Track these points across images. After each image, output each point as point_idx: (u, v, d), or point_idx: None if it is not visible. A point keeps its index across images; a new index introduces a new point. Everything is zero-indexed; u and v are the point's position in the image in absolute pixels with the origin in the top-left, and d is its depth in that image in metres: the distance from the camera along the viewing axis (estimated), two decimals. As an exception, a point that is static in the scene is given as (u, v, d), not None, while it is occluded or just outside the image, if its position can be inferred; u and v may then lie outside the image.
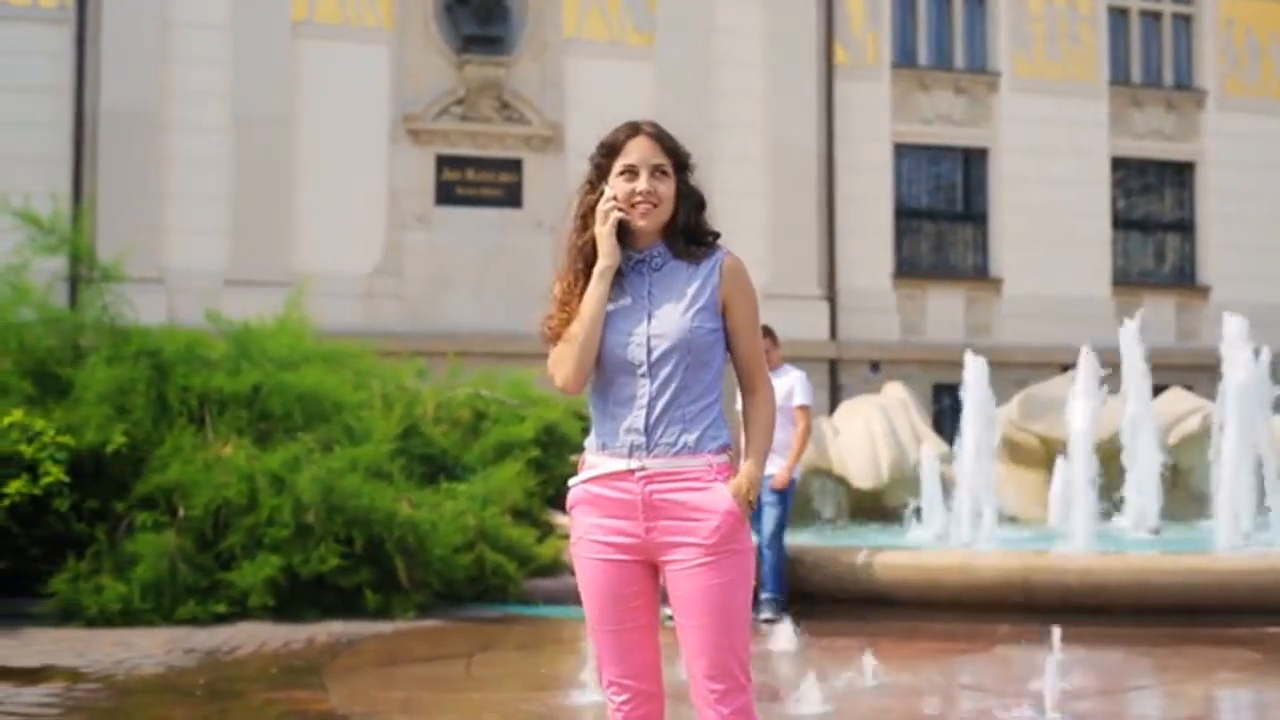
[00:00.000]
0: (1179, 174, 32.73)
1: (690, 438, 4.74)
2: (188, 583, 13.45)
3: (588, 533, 4.81)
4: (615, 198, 4.80)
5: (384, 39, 27.93)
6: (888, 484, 17.86)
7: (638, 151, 4.85)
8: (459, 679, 10.79)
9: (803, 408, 13.91)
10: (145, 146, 26.39)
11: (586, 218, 4.87)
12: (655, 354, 4.74)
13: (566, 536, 16.28)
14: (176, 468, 13.99)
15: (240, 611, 13.36)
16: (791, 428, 13.83)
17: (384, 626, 13.18)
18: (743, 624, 4.75)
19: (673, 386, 4.74)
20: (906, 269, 30.69)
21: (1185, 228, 32.51)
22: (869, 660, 9.95)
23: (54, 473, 13.61)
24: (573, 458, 4.89)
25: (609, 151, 4.89)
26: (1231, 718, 9.73)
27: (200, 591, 13.48)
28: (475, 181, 27.69)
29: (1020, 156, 31.06)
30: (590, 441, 4.89)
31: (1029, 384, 20.93)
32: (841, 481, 18.04)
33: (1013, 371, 27.65)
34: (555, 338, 4.79)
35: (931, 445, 17.81)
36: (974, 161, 31.48)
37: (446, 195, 27.56)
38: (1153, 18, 32.96)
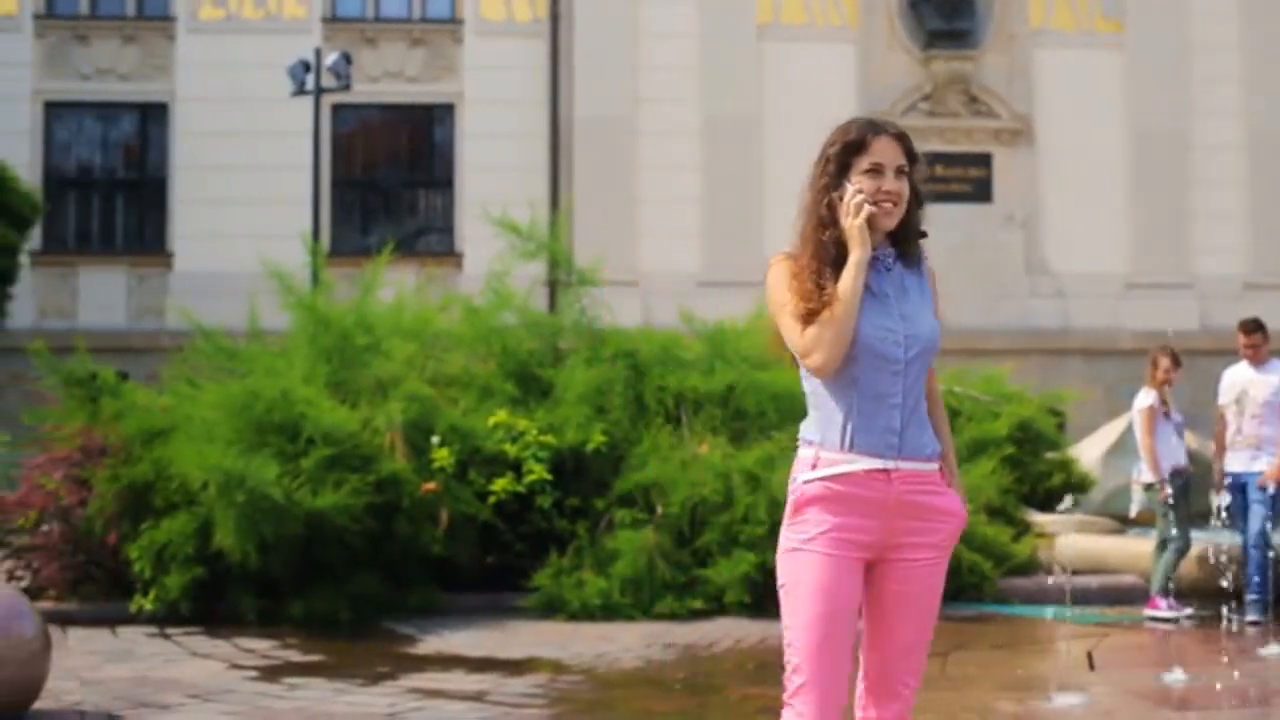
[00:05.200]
0: None
1: (930, 441, 4.86)
2: (665, 579, 13.63)
3: (827, 530, 4.73)
4: (862, 192, 4.78)
5: (849, 38, 27.99)
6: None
7: (884, 151, 4.82)
8: (934, 677, 10.70)
9: (1293, 403, 13.42)
10: (618, 153, 27.02)
11: (830, 212, 4.83)
12: (910, 353, 4.78)
13: (1042, 535, 16.08)
14: (654, 466, 14.20)
15: (717, 608, 13.48)
16: (1280, 424, 13.36)
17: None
18: None
19: (918, 388, 4.83)
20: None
21: None
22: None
23: (537, 471, 13.98)
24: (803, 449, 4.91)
25: (854, 148, 4.85)
26: None
27: (678, 588, 13.65)
28: (944, 177, 27.47)
29: None
30: (823, 435, 4.82)
31: None
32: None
33: None
34: (808, 319, 4.72)
35: None
36: None
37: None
38: None
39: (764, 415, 14.89)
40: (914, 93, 27.84)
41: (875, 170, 4.80)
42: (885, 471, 4.74)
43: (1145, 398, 13.88)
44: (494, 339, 15.54)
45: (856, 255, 4.72)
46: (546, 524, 14.08)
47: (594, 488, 14.32)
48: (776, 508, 13.58)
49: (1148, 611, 13.33)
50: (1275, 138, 28.28)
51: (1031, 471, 16.99)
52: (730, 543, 13.77)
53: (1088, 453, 19.25)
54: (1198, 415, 17.96)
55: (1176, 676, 10.11)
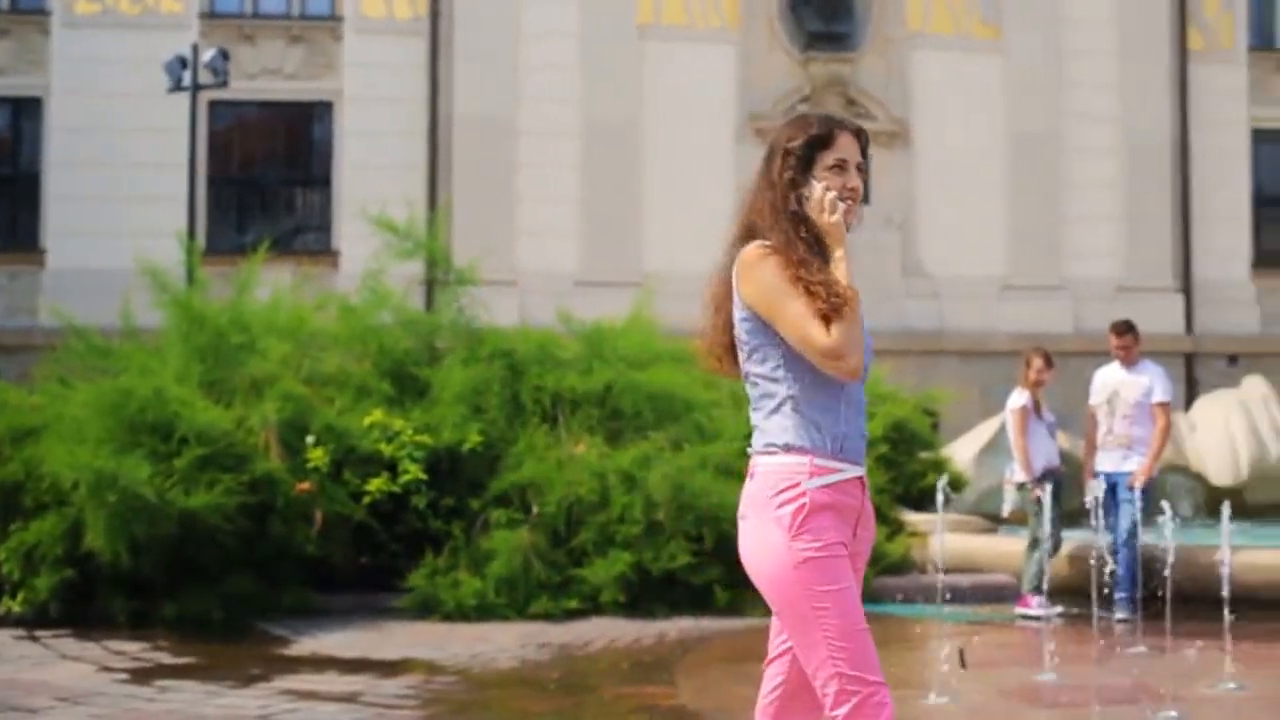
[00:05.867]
0: None
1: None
2: (541, 579, 13.64)
3: (836, 535, 4.59)
4: (830, 188, 4.71)
5: (729, 39, 28.06)
6: (1247, 481, 17.34)
7: (847, 147, 4.78)
8: (808, 676, 10.77)
9: (1162, 404, 13.61)
10: (497, 152, 26.97)
11: (800, 208, 4.71)
12: (870, 359, 4.77)
13: (916, 534, 16.24)
14: (530, 466, 14.21)
15: (592, 607, 13.51)
16: (1150, 424, 13.54)
17: (734, 623, 13.21)
18: None
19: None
20: (1266, 259, 29.71)
21: None
22: (1229, 663, 9.68)
23: (412, 471, 13.94)
24: (787, 457, 4.68)
25: (820, 144, 4.75)
26: None
27: (553, 587, 13.66)
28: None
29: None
30: (813, 441, 4.62)
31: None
32: (1198, 478, 17.58)
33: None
34: (836, 313, 4.56)
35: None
36: (1335, 145, 30.35)
37: (792, 193, 27.53)
38: None
39: (640, 415, 14.93)
40: (793, 94, 27.95)
41: (840, 166, 4.76)
42: (861, 479, 4.71)
43: (1018, 398, 14.03)
44: (370, 338, 15.49)
45: (842, 251, 4.67)
46: (422, 524, 14.05)
47: (470, 488, 14.30)
48: (652, 507, 13.65)
49: (1019, 610, 13.48)
50: (1148, 142, 28.65)
51: (906, 471, 17.14)
52: (606, 542, 13.80)
53: (961, 452, 19.46)
54: (1070, 416, 18.18)
55: (1046, 675, 10.21)
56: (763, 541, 4.62)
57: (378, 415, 14.27)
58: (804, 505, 4.56)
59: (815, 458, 4.59)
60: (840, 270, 4.61)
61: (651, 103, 27.53)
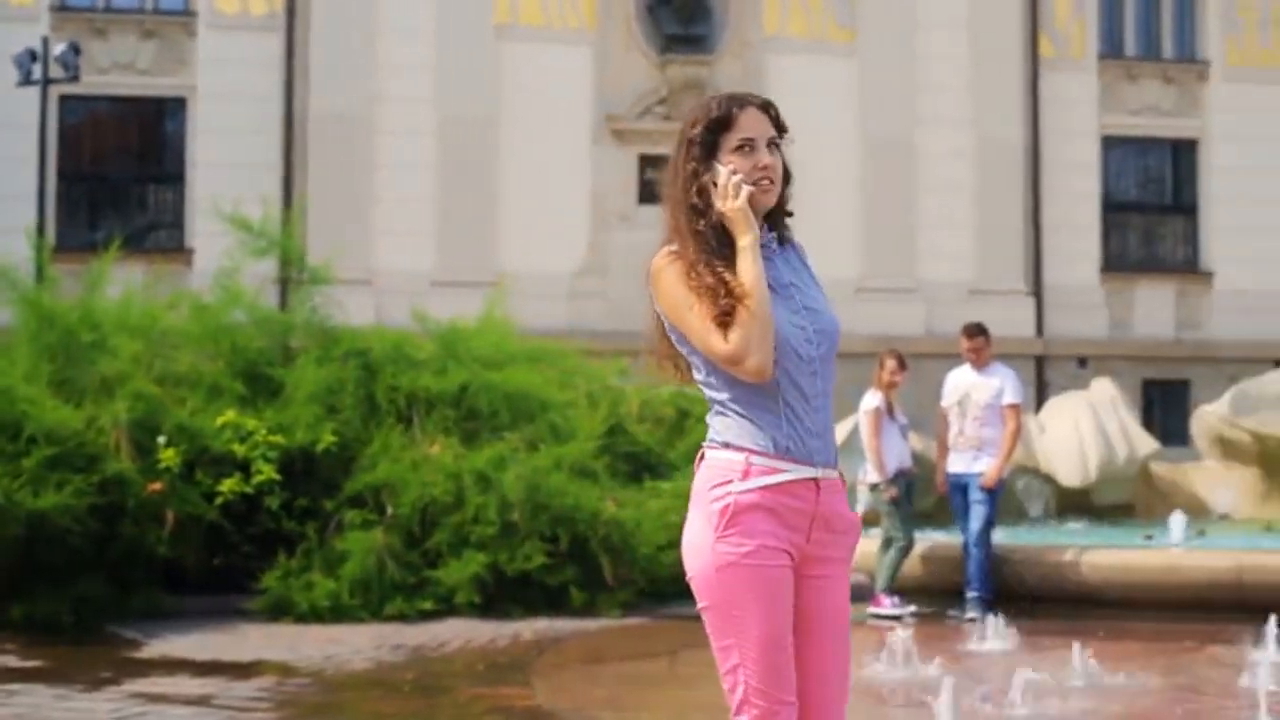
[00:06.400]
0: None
1: (835, 444, 4.49)
2: (395, 580, 13.61)
3: (765, 542, 4.28)
4: (737, 171, 4.38)
5: (586, 40, 28.08)
6: (1096, 482, 17.57)
7: (752, 125, 4.46)
8: (663, 676, 10.82)
9: (1013, 406, 13.76)
10: (353, 151, 26.83)
11: (701, 199, 4.39)
12: (821, 349, 4.44)
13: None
14: (385, 466, 14.16)
15: (447, 609, 13.49)
16: (1001, 426, 13.70)
17: (589, 624, 13.24)
18: None
19: (828, 386, 4.46)
20: (1114, 263, 30.23)
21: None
22: (1078, 660, 9.81)
23: (265, 471, 13.84)
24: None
25: (720, 126, 4.44)
26: None
27: (408, 589, 13.63)
28: (678, 181, 27.68)
29: (1233, 146, 30.39)
30: (753, 440, 4.34)
31: (1241, 379, 20.51)
32: (1048, 479, 17.79)
33: (1225, 367, 27.18)
34: (724, 322, 4.23)
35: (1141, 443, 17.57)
36: (1183, 152, 30.89)
37: (649, 194, 27.58)
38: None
39: (496, 415, 14.93)
40: (650, 96, 28.03)
41: (747, 146, 4.42)
42: (814, 481, 4.35)
43: (871, 400, 14.14)
44: (223, 337, 15.36)
45: (747, 239, 4.32)
46: (275, 525, 13.96)
47: (324, 488, 14.24)
48: (508, 508, 13.65)
49: (872, 609, 13.59)
50: (1001, 147, 29.01)
51: (760, 472, 17.20)
52: (461, 543, 13.78)
53: (816, 454, 19.53)
54: (922, 417, 18.33)
55: (897, 672, 10.31)
56: (695, 536, 4.39)
57: (230, 415, 14.15)
58: (729, 506, 4.29)
59: (753, 456, 4.33)
60: (744, 261, 4.29)
61: (509, 103, 27.48)
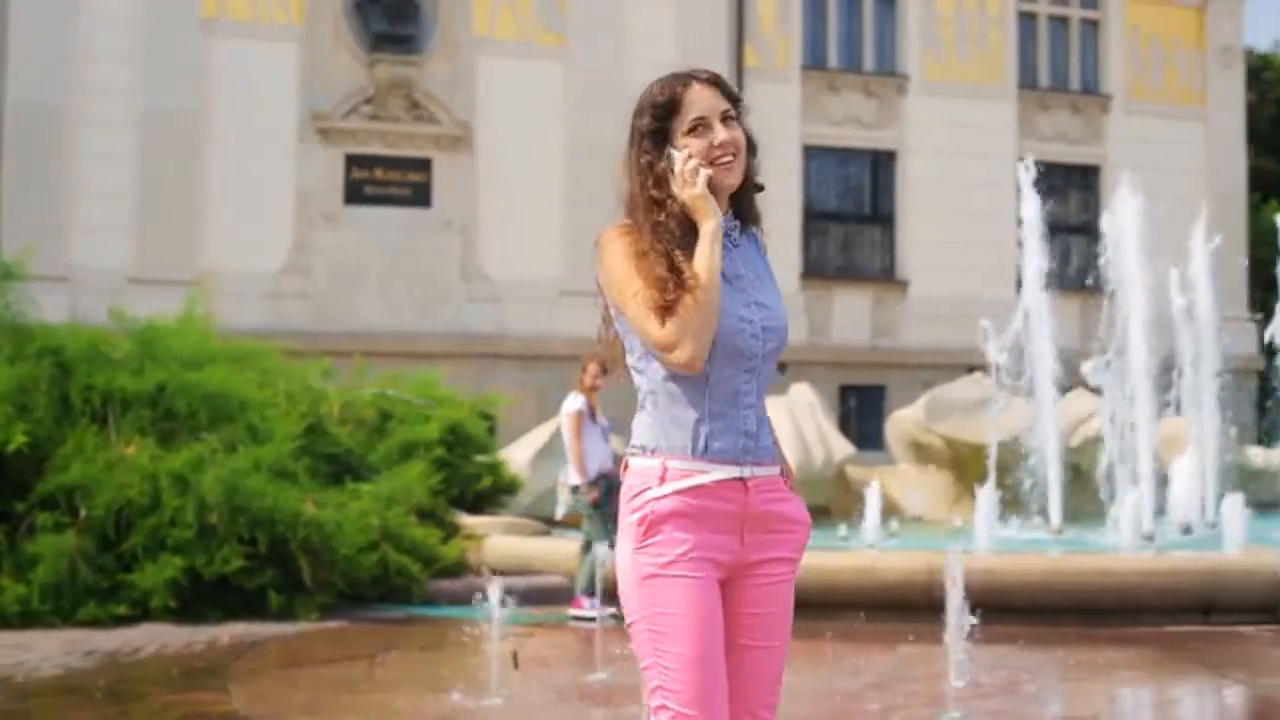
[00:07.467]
0: (1084, 177, 33.07)
1: (772, 442, 4.29)
2: (88, 584, 13.33)
3: (688, 551, 4.08)
4: (692, 155, 4.17)
5: (294, 36, 27.79)
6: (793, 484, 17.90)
7: (702, 101, 4.23)
8: (362, 680, 10.76)
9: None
10: (51, 143, 26.18)
11: (660, 190, 4.19)
12: (767, 346, 4.23)
13: (471, 537, 16.33)
14: (78, 468, 13.86)
15: (142, 613, 13.25)
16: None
17: (287, 628, 13.12)
18: None
19: (765, 384, 4.27)
20: (814, 270, 30.85)
21: (1090, 230, 32.69)
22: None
23: (-47, 472, 13.50)
24: (630, 460, 4.24)
25: (668, 110, 4.24)
26: (1134, 715, 9.84)
27: (101, 593, 13.36)
28: (384, 181, 27.60)
29: (929, 159, 31.25)
30: (669, 441, 4.16)
31: (935, 385, 21.07)
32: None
33: (919, 373, 27.92)
34: (667, 310, 4.04)
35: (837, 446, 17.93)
36: (882, 164, 31.68)
37: (355, 194, 27.45)
38: (1060, 23, 33.34)
39: (195, 416, 14.71)
40: (357, 95, 27.84)
41: (701, 125, 4.20)
42: (742, 480, 4.14)
43: (573, 402, 14.23)
44: (-92, 334, 14.92)
45: (709, 226, 4.11)
46: (-37, 528, 13.59)
47: (15, 490, 13.90)
48: (205, 510, 13.46)
49: (572, 611, 13.68)
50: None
51: (461, 474, 17.25)
52: (157, 546, 13.56)
53: (517, 455, 19.66)
54: (624, 421, 18.46)
55: (597, 674, 10.40)
56: (619, 549, 4.20)
57: (-84, 414, 13.76)
58: (647, 515, 4.11)
59: (669, 460, 4.13)
60: (702, 248, 4.10)
61: (214, 98, 27.08)
